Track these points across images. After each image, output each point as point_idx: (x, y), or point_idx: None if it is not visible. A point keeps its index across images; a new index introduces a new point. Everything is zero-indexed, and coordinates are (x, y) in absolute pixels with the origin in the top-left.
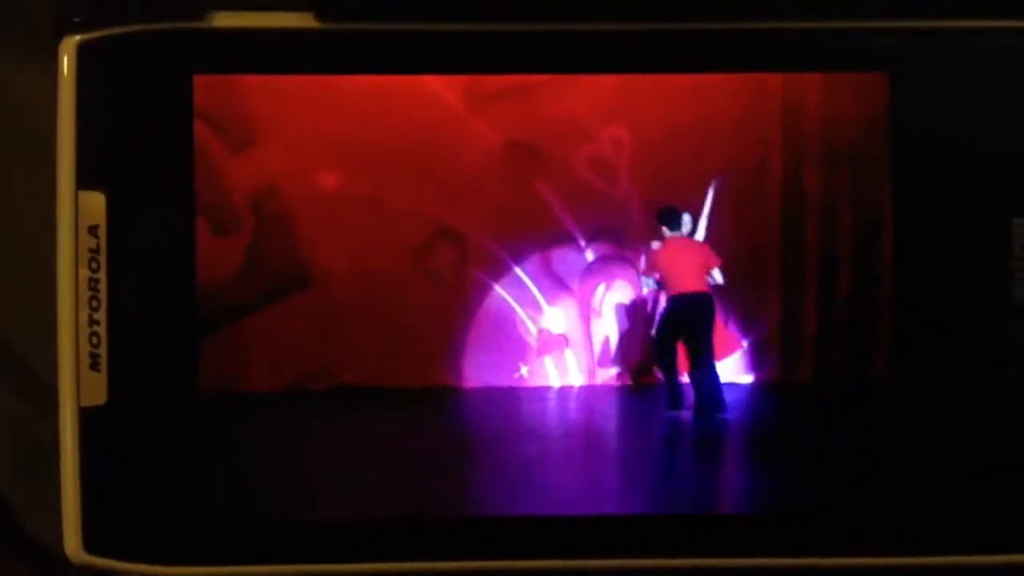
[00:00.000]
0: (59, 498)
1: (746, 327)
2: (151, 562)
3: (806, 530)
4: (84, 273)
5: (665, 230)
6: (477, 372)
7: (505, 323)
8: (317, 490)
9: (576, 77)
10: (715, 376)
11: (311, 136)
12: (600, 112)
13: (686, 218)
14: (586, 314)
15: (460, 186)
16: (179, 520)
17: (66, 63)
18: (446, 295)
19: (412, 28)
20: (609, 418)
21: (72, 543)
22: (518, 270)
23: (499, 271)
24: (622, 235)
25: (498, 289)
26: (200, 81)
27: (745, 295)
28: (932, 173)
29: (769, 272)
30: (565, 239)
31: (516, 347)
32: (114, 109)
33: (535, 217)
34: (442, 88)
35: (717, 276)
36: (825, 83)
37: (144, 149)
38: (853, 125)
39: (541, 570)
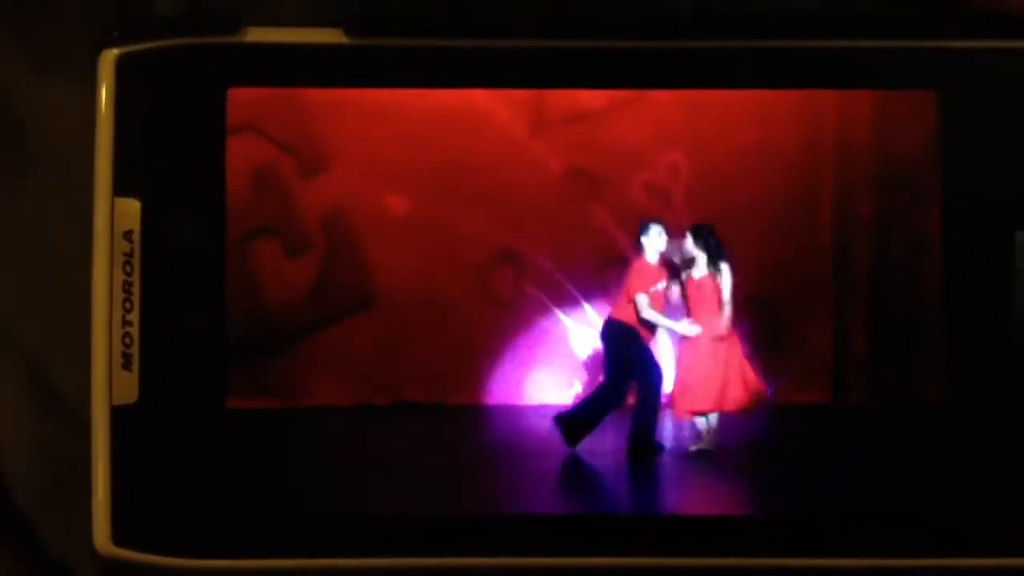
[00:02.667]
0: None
1: (796, 351)
2: (179, 556)
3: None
4: (118, 276)
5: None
6: (533, 390)
7: (562, 343)
8: (347, 488)
9: (636, 104)
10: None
11: (379, 160)
12: (657, 138)
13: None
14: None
15: (521, 210)
16: (207, 515)
17: (105, 74)
18: (506, 315)
19: (440, 44)
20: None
21: (101, 537)
22: (574, 291)
23: (557, 292)
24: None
25: (554, 309)
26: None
27: (796, 318)
28: (984, 193)
29: (820, 295)
30: (621, 262)
31: (572, 366)
32: (150, 119)
33: (592, 240)
34: (507, 114)
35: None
36: (876, 105)
37: (178, 158)
38: (905, 146)
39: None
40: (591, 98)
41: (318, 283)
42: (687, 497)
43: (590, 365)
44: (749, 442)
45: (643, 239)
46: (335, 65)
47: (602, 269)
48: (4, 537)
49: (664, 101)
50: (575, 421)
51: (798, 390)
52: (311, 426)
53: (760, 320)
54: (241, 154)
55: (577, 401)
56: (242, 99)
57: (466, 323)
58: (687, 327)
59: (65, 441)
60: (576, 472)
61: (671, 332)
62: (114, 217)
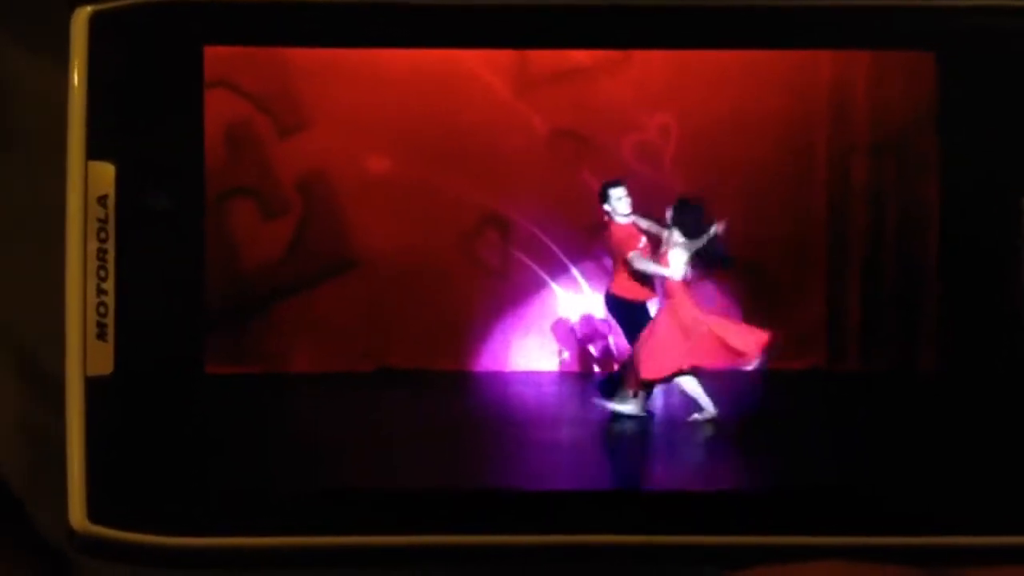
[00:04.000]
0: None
1: (789, 315)
2: (156, 533)
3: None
4: (92, 244)
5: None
6: (520, 357)
7: (549, 309)
8: (327, 462)
9: (624, 64)
10: None
11: (360, 120)
12: (647, 99)
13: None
14: None
15: (506, 172)
16: (185, 491)
17: (78, 33)
18: (491, 280)
19: (420, 2)
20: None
21: (77, 513)
22: (562, 256)
23: (544, 257)
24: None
25: (542, 275)
26: (249, 64)
27: (789, 283)
28: (985, 159)
29: (814, 260)
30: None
31: (559, 333)
32: (124, 80)
33: (580, 204)
34: (490, 74)
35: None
36: (872, 67)
37: (154, 120)
38: (901, 109)
39: (559, 545)
40: (577, 57)
41: (295, 245)
42: (674, 470)
43: (577, 331)
44: (742, 409)
45: (609, 204)
46: (315, 23)
47: (590, 233)
48: None
49: (653, 61)
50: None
51: (792, 356)
52: (292, 397)
53: (752, 285)
54: (215, 111)
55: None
56: (216, 55)
57: (451, 288)
58: (676, 269)
59: (53, 421)
60: (561, 444)
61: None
62: (87, 182)
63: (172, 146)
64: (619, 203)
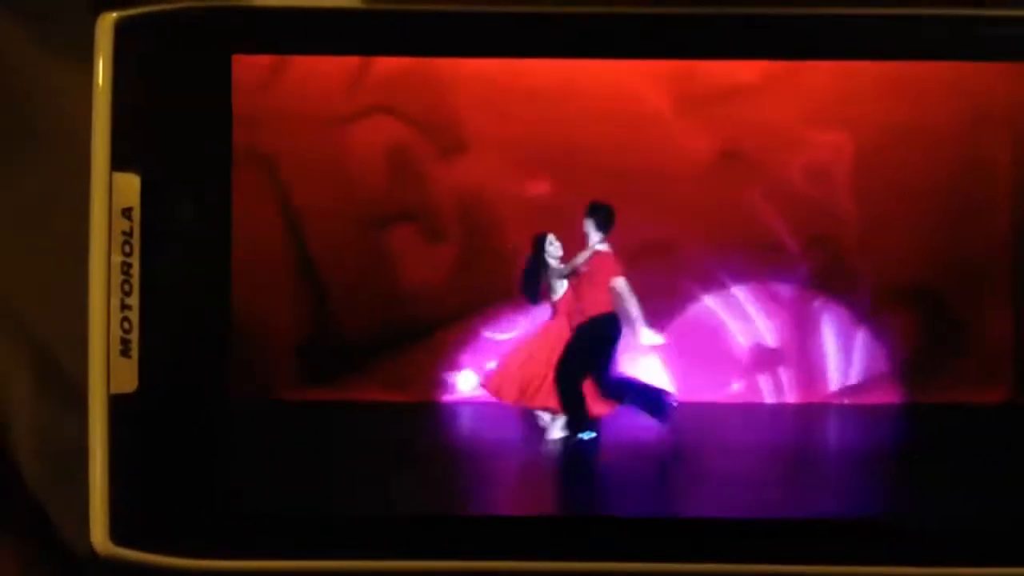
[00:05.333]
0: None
1: (971, 345)
2: (179, 555)
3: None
4: (116, 256)
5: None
6: (686, 385)
7: (715, 336)
8: (354, 488)
9: (792, 80)
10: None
11: (519, 142)
12: (817, 117)
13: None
14: (801, 328)
15: (669, 194)
16: (208, 513)
17: (102, 41)
18: (655, 305)
19: (456, 9)
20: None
21: (99, 534)
22: (729, 281)
23: (710, 282)
24: (841, 245)
25: (708, 301)
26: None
27: (969, 310)
28: None
29: (997, 284)
30: (778, 250)
31: (727, 361)
32: (150, 89)
33: (747, 226)
34: (652, 92)
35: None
36: None
37: (180, 130)
38: None
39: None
40: (742, 73)
41: (457, 269)
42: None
43: (747, 357)
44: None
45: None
46: (347, 31)
47: (758, 257)
48: (17, 525)
49: (821, 75)
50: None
51: (975, 388)
52: (321, 422)
53: (930, 312)
54: (376, 135)
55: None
56: (377, 78)
57: None
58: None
59: (75, 426)
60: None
61: None
62: (112, 193)
63: (199, 157)
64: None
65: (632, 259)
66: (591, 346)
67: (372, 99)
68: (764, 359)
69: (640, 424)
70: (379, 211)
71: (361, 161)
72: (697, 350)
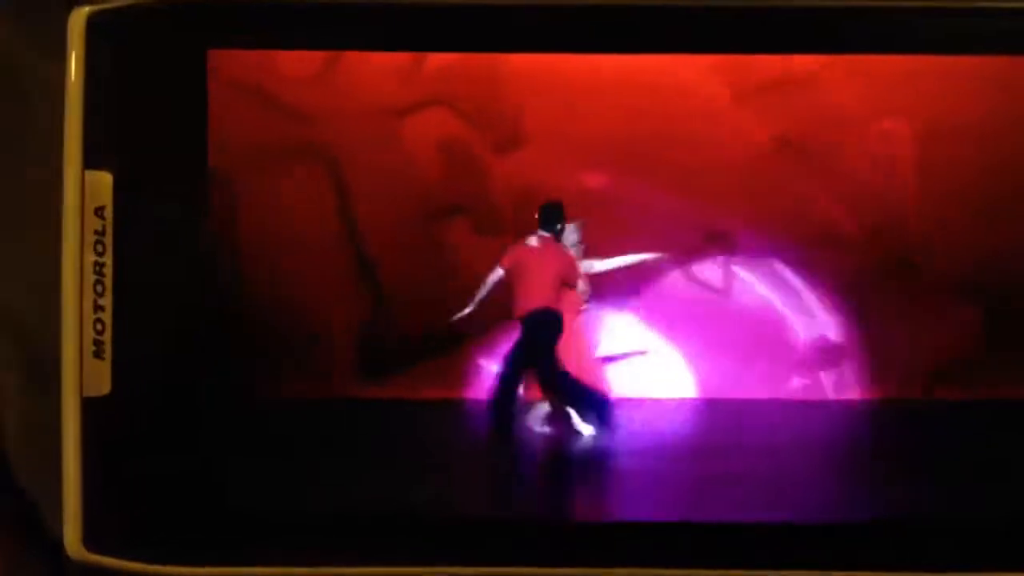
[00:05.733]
0: None
1: None
2: (155, 561)
3: None
4: (89, 256)
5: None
6: (745, 382)
7: (775, 330)
8: (337, 489)
9: (851, 67)
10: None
11: (574, 135)
12: (877, 105)
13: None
14: (862, 321)
15: (727, 184)
16: (188, 517)
17: (75, 34)
18: (713, 301)
19: (440, 3)
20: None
21: (72, 539)
22: (790, 274)
23: (769, 275)
24: (903, 237)
25: (769, 294)
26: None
27: None
28: None
29: None
30: (838, 242)
31: (787, 356)
32: (124, 85)
33: (806, 218)
34: (708, 82)
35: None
36: None
37: (156, 128)
38: None
39: None
40: (801, 61)
41: None
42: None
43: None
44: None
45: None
46: (327, 26)
47: (817, 249)
48: (4, 521)
49: (881, 62)
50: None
51: None
52: (298, 421)
53: (991, 304)
54: (431, 128)
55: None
56: (432, 70)
57: (671, 307)
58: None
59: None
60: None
61: None
62: (84, 191)
63: (174, 156)
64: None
65: (690, 251)
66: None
67: (427, 92)
68: (826, 354)
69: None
70: (434, 205)
71: (416, 155)
72: (756, 345)
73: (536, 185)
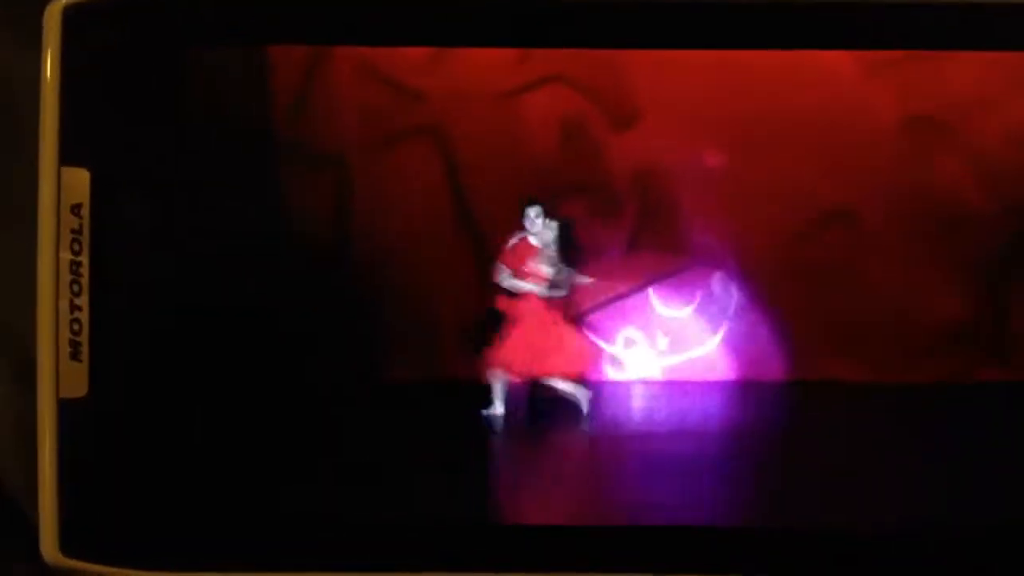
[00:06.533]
0: None
1: None
2: (132, 567)
3: None
4: (65, 255)
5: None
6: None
7: (901, 310)
8: (317, 493)
9: None
10: None
11: (694, 111)
12: (1011, 76)
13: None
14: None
15: (853, 163)
16: (165, 522)
17: (51, 30)
18: (836, 281)
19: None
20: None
21: (48, 544)
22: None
23: (896, 257)
24: None
25: (895, 275)
26: (583, 56)
27: None
28: None
29: None
30: (970, 222)
31: (918, 337)
32: (101, 80)
33: (938, 198)
34: (831, 53)
35: None
36: None
37: (133, 124)
38: None
39: None
40: None
41: (630, 245)
42: None
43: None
44: None
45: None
46: (301, 22)
47: (946, 227)
48: None
49: None
50: None
51: None
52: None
53: None
54: (551, 105)
55: None
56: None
57: (791, 291)
58: None
59: None
60: None
61: None
62: (60, 188)
63: (152, 153)
64: None
65: (812, 231)
66: None
67: (543, 70)
68: (957, 335)
69: None
70: (550, 185)
71: (532, 134)
72: (881, 326)
73: (654, 164)
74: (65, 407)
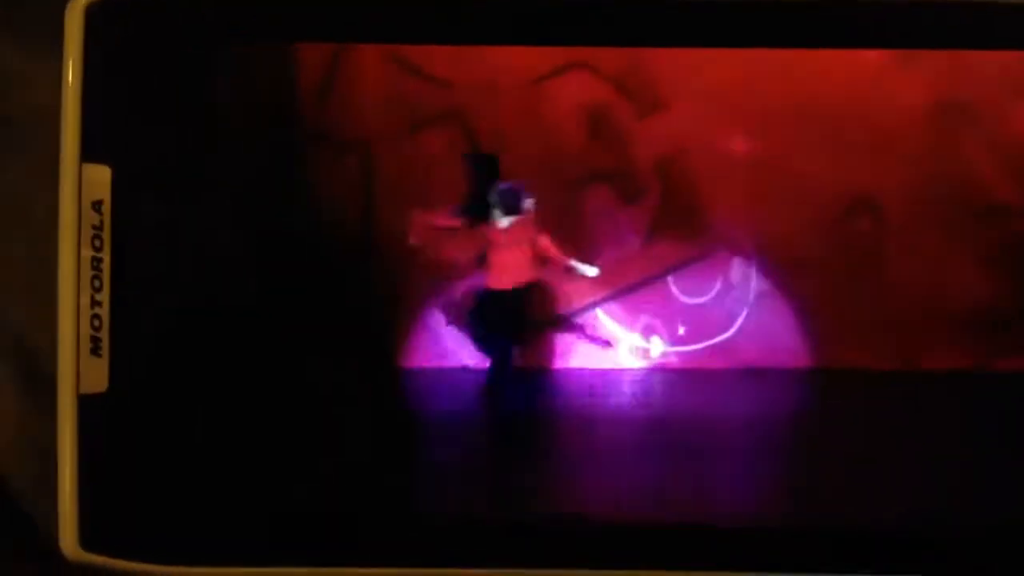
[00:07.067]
0: None
1: None
2: (152, 561)
3: None
4: (86, 252)
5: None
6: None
7: (928, 300)
8: (338, 490)
9: None
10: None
11: (719, 98)
12: None
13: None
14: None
15: (880, 150)
16: (186, 517)
17: (72, 26)
18: (861, 269)
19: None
20: None
21: (68, 539)
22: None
23: (924, 244)
24: None
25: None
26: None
27: None
28: None
29: None
30: (1001, 212)
31: (943, 327)
32: (122, 77)
33: (965, 185)
34: None
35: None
36: None
37: (154, 121)
38: None
39: None
40: None
41: (653, 230)
42: None
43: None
44: None
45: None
46: (326, 17)
47: (977, 220)
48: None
49: None
50: None
51: None
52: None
53: None
54: (575, 93)
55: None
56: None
57: (816, 279)
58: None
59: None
60: None
61: None
62: (82, 185)
63: (174, 150)
64: None
65: (835, 219)
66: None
67: (568, 57)
68: (983, 325)
69: None
70: (575, 171)
71: (557, 121)
72: (907, 315)
73: (680, 151)
74: (85, 403)
